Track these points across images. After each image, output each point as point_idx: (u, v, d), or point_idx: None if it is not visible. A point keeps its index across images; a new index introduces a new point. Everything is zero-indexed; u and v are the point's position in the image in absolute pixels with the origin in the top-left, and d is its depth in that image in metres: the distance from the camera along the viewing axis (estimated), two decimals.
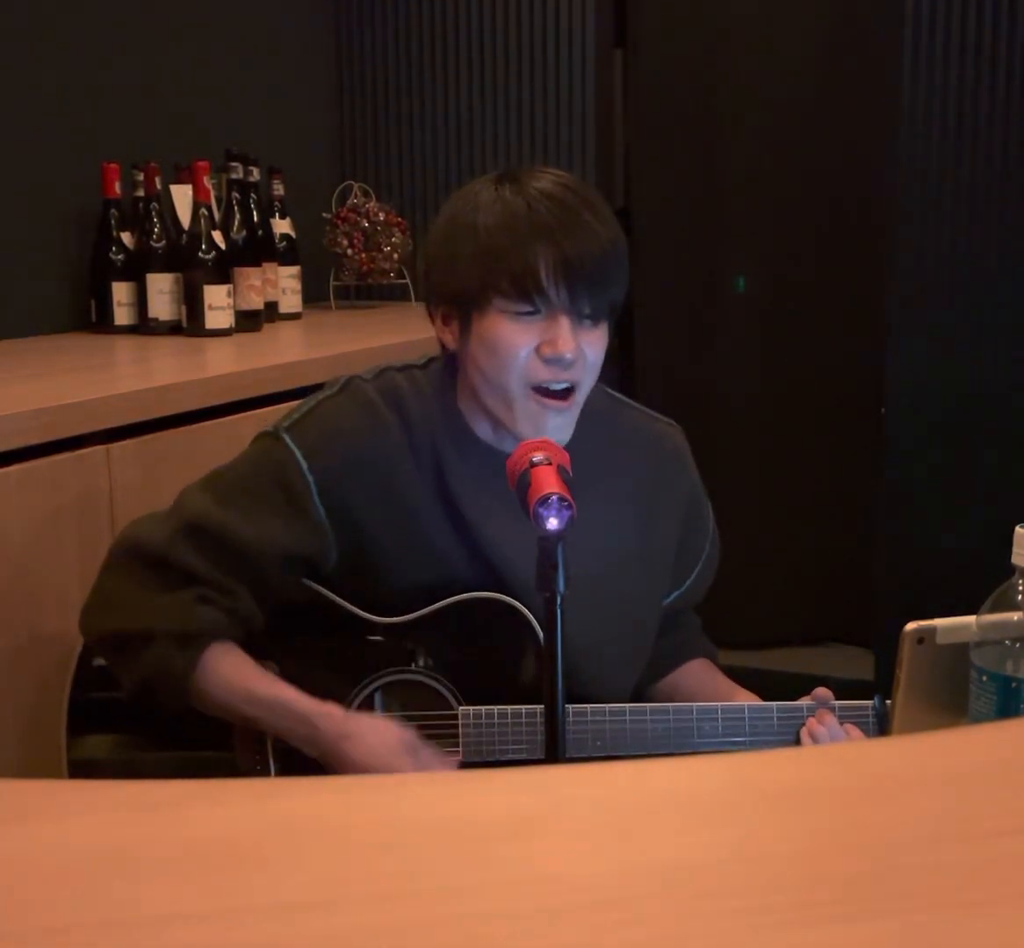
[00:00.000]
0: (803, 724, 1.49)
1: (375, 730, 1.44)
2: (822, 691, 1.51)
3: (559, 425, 1.47)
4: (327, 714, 1.44)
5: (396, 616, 1.49)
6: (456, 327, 1.49)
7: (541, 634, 1.43)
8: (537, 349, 1.44)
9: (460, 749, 1.47)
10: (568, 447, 1.43)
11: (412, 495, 1.50)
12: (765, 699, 1.55)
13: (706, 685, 1.68)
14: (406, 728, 1.45)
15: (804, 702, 1.50)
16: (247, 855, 0.63)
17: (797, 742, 1.48)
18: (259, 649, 1.52)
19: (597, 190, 1.53)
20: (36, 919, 0.57)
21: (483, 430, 1.52)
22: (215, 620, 1.46)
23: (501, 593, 1.47)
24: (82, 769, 1.55)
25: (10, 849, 0.64)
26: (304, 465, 1.48)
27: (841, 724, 1.48)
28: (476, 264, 1.44)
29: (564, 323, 1.43)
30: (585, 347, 1.45)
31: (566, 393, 1.46)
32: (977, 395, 2.93)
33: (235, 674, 1.46)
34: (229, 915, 0.58)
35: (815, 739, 1.47)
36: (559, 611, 1.20)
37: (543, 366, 1.44)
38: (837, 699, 1.51)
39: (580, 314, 1.44)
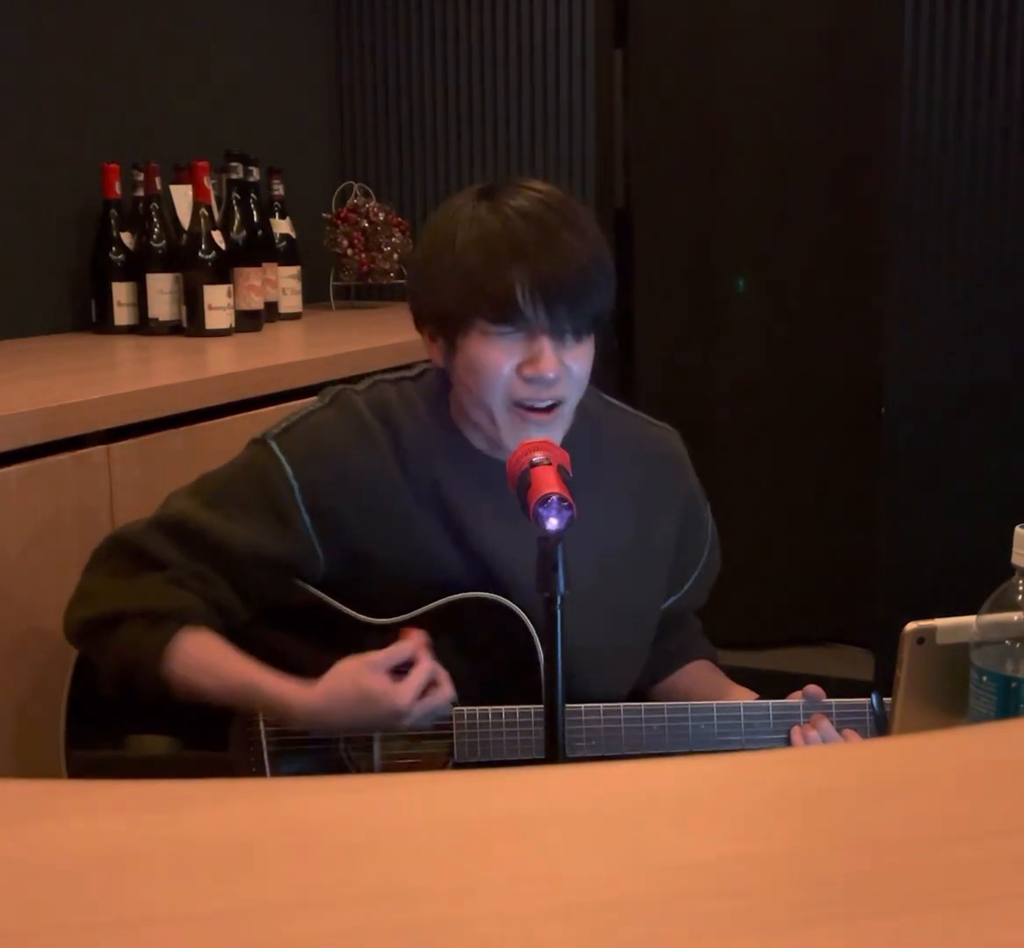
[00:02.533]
0: (798, 723, 1.49)
1: (337, 697, 1.41)
2: (813, 689, 1.50)
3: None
4: (295, 694, 1.42)
5: (391, 617, 1.49)
6: (442, 346, 1.48)
7: (535, 636, 1.44)
8: (519, 368, 1.43)
9: (453, 749, 1.47)
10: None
11: (404, 507, 1.50)
12: (764, 699, 1.55)
13: (705, 685, 1.68)
14: (362, 665, 1.42)
15: (798, 700, 1.50)
16: (247, 855, 0.63)
17: (790, 740, 1.49)
18: (253, 650, 1.52)
19: (581, 203, 1.50)
20: (36, 919, 0.57)
21: (477, 440, 1.52)
22: (187, 602, 1.46)
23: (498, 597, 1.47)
24: (80, 770, 1.55)
25: (10, 849, 0.64)
26: (289, 473, 1.48)
27: (841, 730, 1.48)
28: (454, 288, 1.43)
29: (545, 343, 1.42)
30: (570, 363, 1.44)
31: (550, 408, 1.46)
32: (977, 394, 2.93)
33: (207, 655, 1.46)
34: (229, 915, 0.58)
35: (807, 742, 1.46)
36: (559, 612, 1.20)
37: (525, 384, 1.43)
38: (837, 699, 1.51)
39: (561, 333, 1.42)
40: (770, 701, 1.50)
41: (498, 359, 1.43)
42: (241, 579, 1.49)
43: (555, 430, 1.47)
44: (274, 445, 1.50)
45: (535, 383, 1.43)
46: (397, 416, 1.52)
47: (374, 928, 0.57)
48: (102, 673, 1.49)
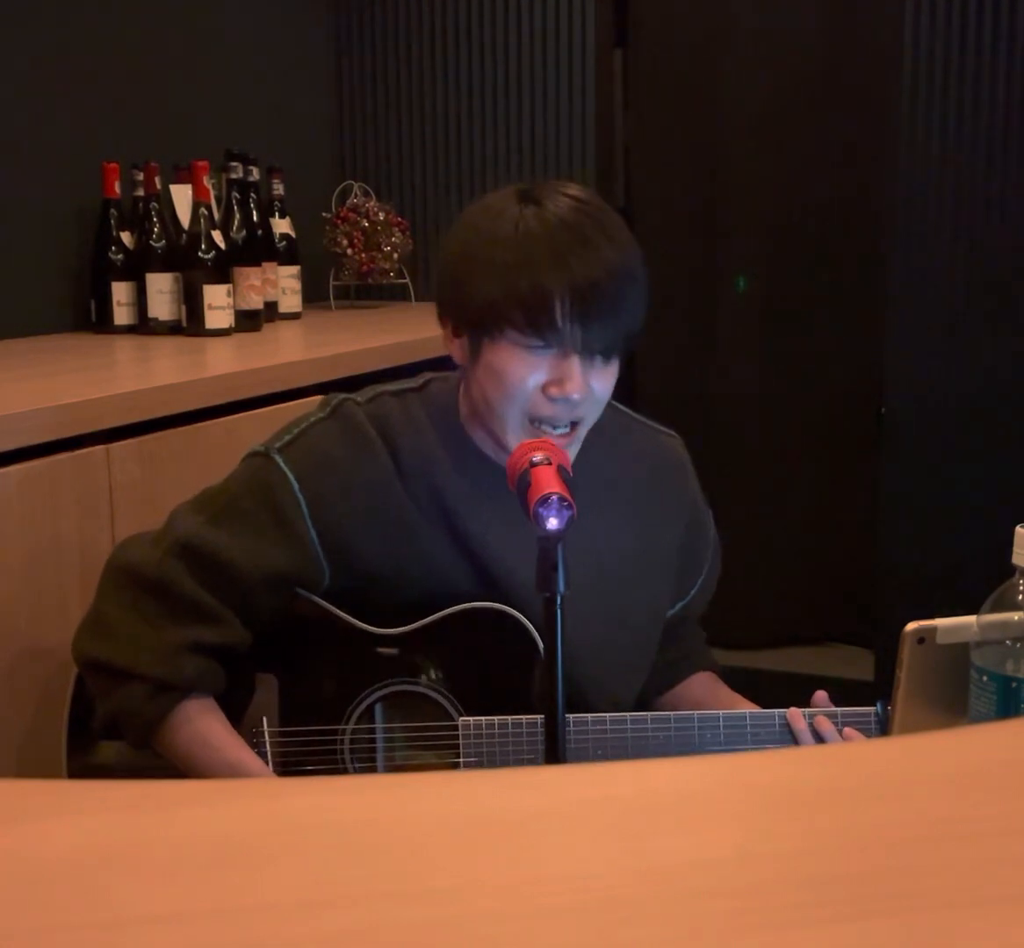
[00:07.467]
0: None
1: None
2: (820, 695, 1.50)
3: None
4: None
5: (396, 627, 1.49)
6: (465, 345, 1.46)
7: (540, 643, 1.43)
8: (544, 386, 1.41)
9: (461, 760, 1.47)
10: None
11: (406, 516, 1.49)
12: (765, 700, 1.55)
13: (709, 698, 1.67)
14: None
15: (805, 709, 1.50)
16: (247, 855, 0.63)
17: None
18: (259, 662, 1.52)
19: (611, 210, 1.47)
20: (36, 919, 0.57)
21: (485, 445, 1.50)
22: (198, 673, 1.45)
23: (503, 604, 1.46)
24: (81, 768, 1.55)
25: (10, 849, 0.64)
26: (296, 486, 1.47)
27: (842, 729, 1.48)
28: (491, 295, 1.40)
29: (575, 362, 1.40)
30: (594, 383, 1.42)
31: (568, 429, 1.44)
32: (977, 395, 2.93)
33: (200, 731, 1.46)
34: (229, 915, 0.58)
35: (810, 735, 1.46)
36: (559, 612, 1.20)
37: (547, 402, 1.41)
38: (838, 701, 1.51)
39: (592, 352, 1.41)
40: (776, 710, 1.50)
41: (524, 374, 1.41)
42: (248, 603, 1.47)
43: (569, 452, 1.46)
44: (279, 459, 1.48)
45: (558, 403, 1.41)
46: (397, 430, 1.50)
47: (374, 928, 0.57)
48: (97, 713, 1.49)
